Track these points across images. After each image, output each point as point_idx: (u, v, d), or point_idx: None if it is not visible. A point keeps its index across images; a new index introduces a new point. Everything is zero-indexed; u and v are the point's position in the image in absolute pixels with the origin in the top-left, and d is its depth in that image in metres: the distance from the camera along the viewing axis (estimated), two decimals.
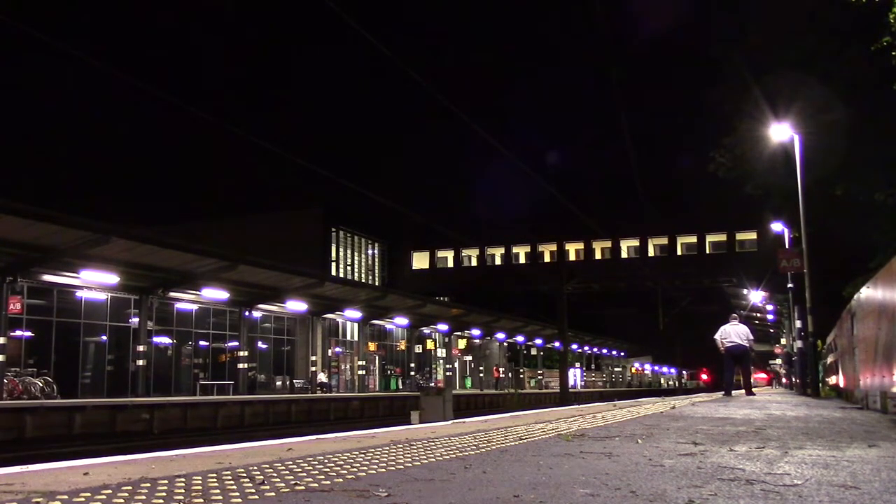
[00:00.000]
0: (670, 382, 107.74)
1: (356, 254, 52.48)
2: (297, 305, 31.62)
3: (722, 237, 53.12)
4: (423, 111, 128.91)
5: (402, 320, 40.59)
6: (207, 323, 30.82)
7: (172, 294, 27.39)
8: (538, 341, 58.53)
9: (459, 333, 49.22)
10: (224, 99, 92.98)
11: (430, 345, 48.50)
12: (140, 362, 24.70)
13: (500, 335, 53.38)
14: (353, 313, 35.70)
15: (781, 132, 17.49)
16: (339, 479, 2.89)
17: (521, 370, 59.02)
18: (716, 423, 6.56)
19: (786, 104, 16.91)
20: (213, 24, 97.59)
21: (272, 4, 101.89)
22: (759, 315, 52.34)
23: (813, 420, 7.10)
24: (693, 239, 54.43)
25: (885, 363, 7.61)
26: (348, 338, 41.80)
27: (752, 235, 50.73)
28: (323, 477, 2.96)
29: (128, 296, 26.07)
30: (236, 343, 29.90)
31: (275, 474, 3.03)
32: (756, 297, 45.17)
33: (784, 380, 57.10)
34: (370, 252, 54.23)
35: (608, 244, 55.67)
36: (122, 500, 2.41)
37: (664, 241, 55.26)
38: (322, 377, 35.44)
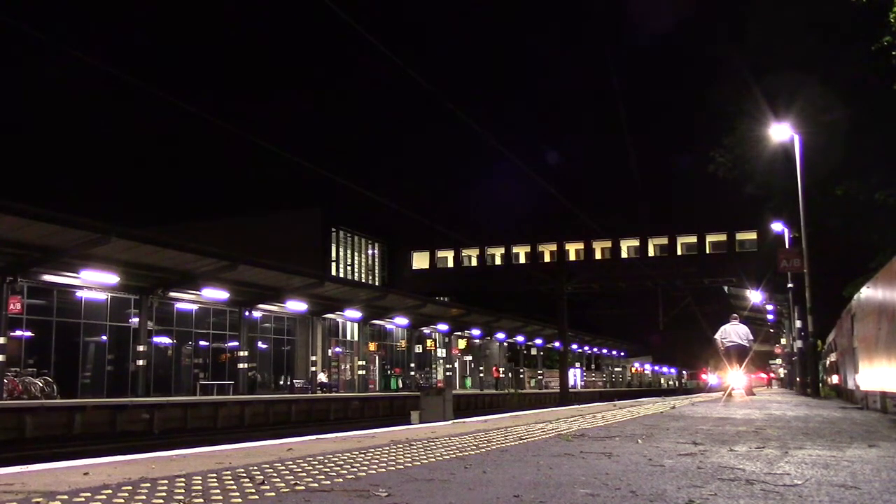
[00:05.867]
0: (670, 382, 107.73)
1: (356, 254, 52.48)
2: (297, 305, 31.62)
3: (722, 237, 53.11)
4: (423, 111, 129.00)
5: (402, 320, 40.59)
6: (207, 323, 30.82)
7: (172, 294, 27.38)
8: (538, 341, 58.52)
9: (459, 333, 49.22)
10: (224, 98, 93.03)
11: (430, 345, 48.50)
12: (140, 362, 24.68)
13: (500, 335, 53.38)
14: (353, 313, 35.69)
15: (781, 132, 17.49)
16: (339, 479, 2.89)
17: (521, 370, 59.02)
18: (716, 423, 6.56)
19: (786, 104, 16.91)
20: (214, 24, 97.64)
21: (273, 4, 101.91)
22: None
23: (813, 420, 7.10)
24: (693, 239, 54.43)
25: (885, 363, 7.60)
26: (348, 338, 41.80)
27: (752, 235, 50.73)
28: (323, 477, 2.96)
29: (128, 296, 26.06)
30: (236, 343, 29.89)
31: (275, 474, 3.03)
32: (756, 297, 45.16)
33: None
34: (370, 252, 54.23)
35: (608, 244, 55.67)
36: (122, 500, 2.41)
37: (664, 241, 55.26)
38: (322, 377, 35.44)
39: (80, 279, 22.86)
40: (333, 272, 47.13)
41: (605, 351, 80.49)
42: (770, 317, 51.34)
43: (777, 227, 27.14)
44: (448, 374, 49.56)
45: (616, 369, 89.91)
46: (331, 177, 30.07)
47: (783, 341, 45.43)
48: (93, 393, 24.29)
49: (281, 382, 34.94)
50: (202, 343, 30.65)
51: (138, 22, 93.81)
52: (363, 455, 3.80)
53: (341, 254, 50.51)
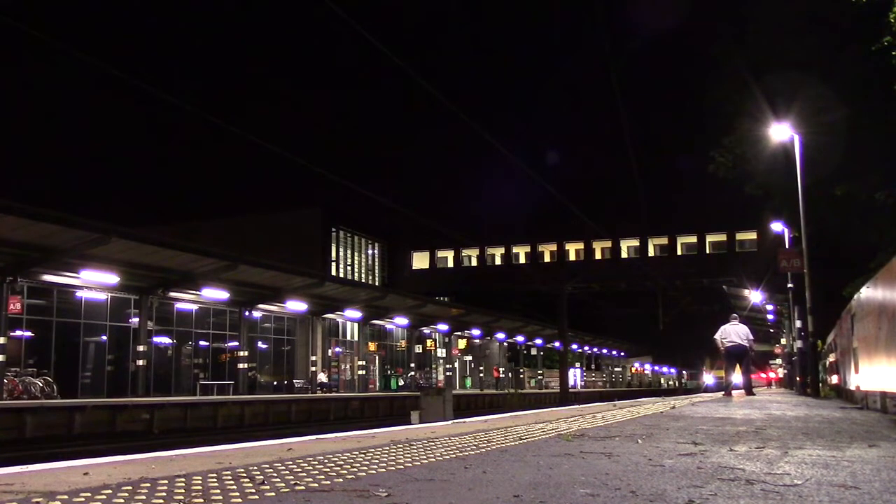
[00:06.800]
0: (670, 382, 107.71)
1: (356, 254, 52.48)
2: (297, 305, 31.62)
3: (722, 237, 53.12)
4: (423, 111, 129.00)
5: (402, 320, 40.59)
6: (207, 323, 30.82)
7: (172, 294, 27.38)
8: (538, 341, 58.52)
9: (459, 333, 49.22)
10: (224, 98, 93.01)
11: (430, 345, 48.50)
12: (140, 362, 24.69)
13: (500, 335, 53.38)
14: (353, 313, 35.69)
15: (781, 132, 17.47)
16: (339, 479, 2.89)
17: (521, 370, 59.02)
18: (716, 423, 6.56)
19: (786, 104, 16.89)
20: (213, 23, 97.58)
21: (274, 4, 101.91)
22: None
23: (813, 420, 7.10)
24: (693, 239, 54.44)
25: (885, 363, 7.61)
26: (348, 338, 41.80)
27: (752, 235, 50.75)
28: (323, 477, 2.96)
29: (128, 296, 26.06)
30: (236, 343, 29.89)
31: (275, 474, 3.03)
32: (756, 297, 45.15)
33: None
34: (370, 252, 54.23)
35: (608, 244, 55.68)
36: (122, 500, 2.40)
37: (664, 241, 55.27)
38: (322, 377, 35.44)
39: (80, 279, 22.86)
40: (333, 272, 47.12)
41: (605, 351, 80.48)
42: (770, 317, 51.33)
43: (777, 227, 27.11)
44: (448, 374, 49.56)
45: (616, 369, 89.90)
46: (331, 177, 30.10)
47: (783, 341, 45.40)
48: (93, 393, 24.29)
49: (276, 383, 34.89)
50: (202, 343, 30.65)
51: (139, 21, 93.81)
52: (363, 455, 3.80)
53: (341, 254, 50.52)
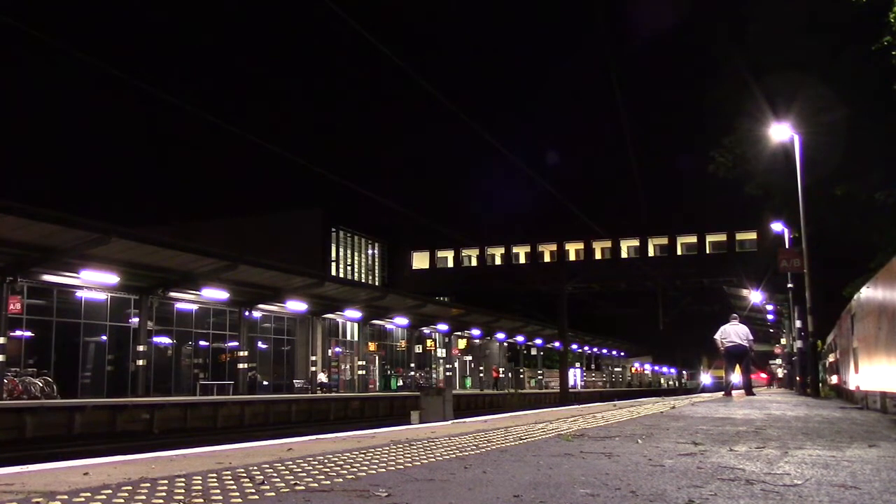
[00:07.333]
0: (670, 382, 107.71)
1: (356, 254, 52.47)
2: (297, 305, 31.61)
3: (722, 237, 53.12)
4: (423, 111, 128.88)
5: (402, 320, 40.59)
6: (207, 323, 30.81)
7: (172, 294, 27.37)
8: (538, 341, 58.50)
9: (459, 333, 49.21)
10: (224, 98, 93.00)
11: (430, 345, 48.49)
12: (140, 362, 24.68)
13: (500, 335, 53.37)
14: (353, 313, 35.68)
15: (781, 132, 17.48)
16: (339, 479, 2.89)
17: (521, 370, 59.02)
18: (716, 423, 6.56)
19: (786, 104, 16.89)
20: (213, 23, 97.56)
21: (274, 4, 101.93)
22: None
23: (813, 420, 7.10)
24: (693, 239, 54.43)
25: (885, 363, 7.60)
26: (348, 338, 41.79)
27: (752, 235, 50.75)
28: (323, 477, 2.96)
29: (128, 296, 26.06)
30: (236, 343, 29.89)
31: (275, 474, 3.03)
32: (756, 297, 45.14)
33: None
34: (370, 252, 54.22)
35: (608, 244, 55.67)
36: (122, 500, 2.40)
37: (664, 241, 55.27)
38: (322, 377, 35.43)
39: (80, 279, 22.85)
40: (333, 272, 47.12)
41: (605, 351, 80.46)
42: (770, 317, 51.31)
43: (777, 227, 27.11)
44: (448, 374, 49.56)
45: (616, 369, 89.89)
46: (331, 177, 30.08)
47: (783, 341, 45.40)
48: (93, 393, 24.28)
49: (274, 383, 34.87)
50: (202, 343, 30.65)
51: (139, 21, 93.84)
52: (363, 455, 3.80)
53: (341, 254, 50.51)
